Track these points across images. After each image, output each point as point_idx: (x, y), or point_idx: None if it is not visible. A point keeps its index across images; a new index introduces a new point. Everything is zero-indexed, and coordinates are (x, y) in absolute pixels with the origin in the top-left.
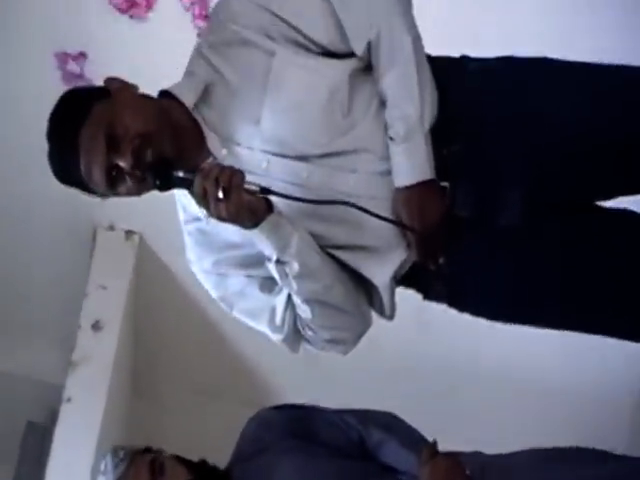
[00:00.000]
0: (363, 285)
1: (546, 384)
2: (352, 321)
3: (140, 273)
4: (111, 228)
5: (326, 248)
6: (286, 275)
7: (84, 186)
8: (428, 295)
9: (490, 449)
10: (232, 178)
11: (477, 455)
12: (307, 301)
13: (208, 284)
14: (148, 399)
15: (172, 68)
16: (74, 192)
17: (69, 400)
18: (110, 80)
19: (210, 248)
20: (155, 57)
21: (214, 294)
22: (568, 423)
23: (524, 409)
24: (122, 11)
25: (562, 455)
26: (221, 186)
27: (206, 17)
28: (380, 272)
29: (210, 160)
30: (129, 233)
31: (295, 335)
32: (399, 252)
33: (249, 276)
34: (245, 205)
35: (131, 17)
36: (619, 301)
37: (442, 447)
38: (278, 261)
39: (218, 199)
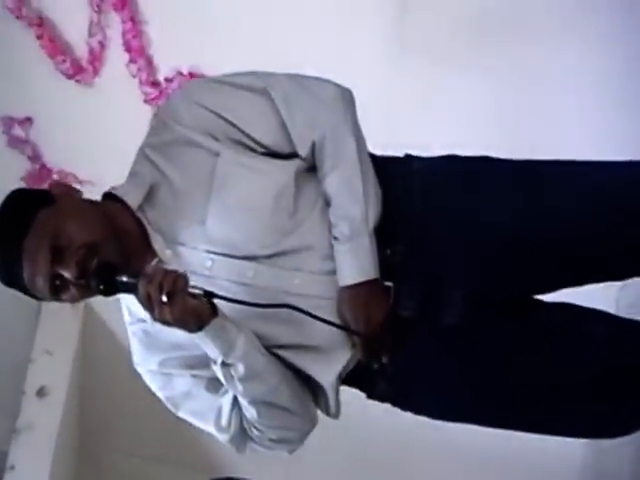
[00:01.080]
0: (308, 384)
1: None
2: (298, 421)
3: (86, 339)
4: None
5: (271, 348)
6: (232, 377)
7: (27, 291)
8: (371, 395)
9: None
10: (176, 282)
11: None
12: (253, 402)
13: (154, 385)
14: (94, 466)
15: (118, 133)
16: None
17: (12, 468)
18: (55, 185)
19: (155, 349)
20: (101, 122)
21: (160, 395)
22: None
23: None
24: (69, 76)
25: None
26: (165, 291)
27: (153, 84)
28: (326, 371)
29: (155, 262)
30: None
31: (242, 435)
32: (344, 351)
33: (195, 376)
34: (189, 309)
35: (77, 82)
36: (565, 402)
37: None
38: (223, 363)
39: (162, 303)
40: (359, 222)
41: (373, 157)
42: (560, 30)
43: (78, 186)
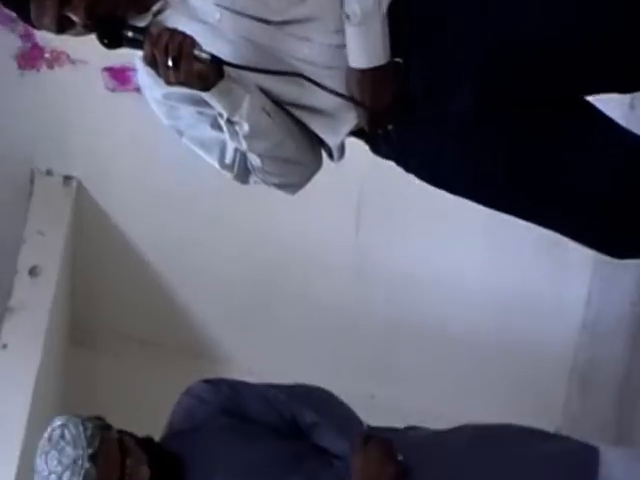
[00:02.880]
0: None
1: (482, 342)
2: (302, 169)
3: (78, 219)
4: (49, 173)
5: (279, 103)
6: (236, 133)
7: (25, 17)
8: (375, 151)
9: (427, 404)
10: (182, 46)
11: (413, 433)
12: (259, 155)
13: (159, 112)
14: (86, 347)
15: None
16: (11, 135)
17: (4, 347)
18: None
19: (160, 80)
20: None
21: (165, 122)
22: (506, 380)
23: (463, 366)
24: None
25: (498, 434)
26: (171, 55)
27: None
28: (331, 134)
29: (160, 4)
30: (67, 179)
31: (245, 173)
32: (350, 117)
33: (200, 113)
34: (195, 73)
35: None
36: (571, 198)
37: (382, 394)
38: (228, 120)
39: (167, 67)
40: (371, 3)
41: None
42: None
43: (71, 65)
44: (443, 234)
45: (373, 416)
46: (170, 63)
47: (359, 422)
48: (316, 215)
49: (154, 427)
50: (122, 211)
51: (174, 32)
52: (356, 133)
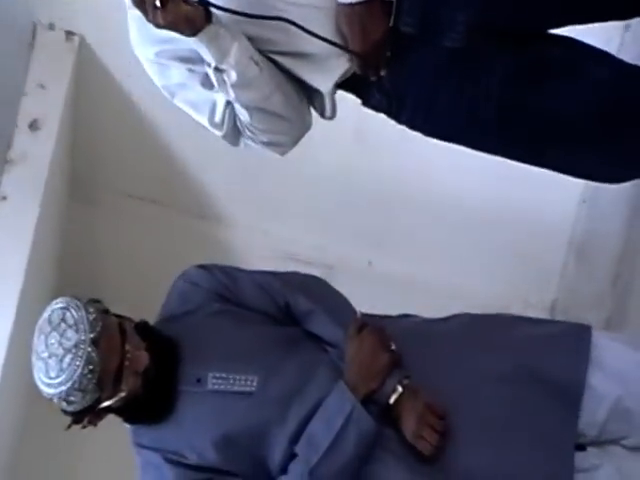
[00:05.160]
0: (304, 88)
1: (480, 210)
2: (291, 126)
3: (80, 75)
4: (51, 27)
5: (267, 53)
6: (224, 82)
7: None
8: (367, 102)
9: (424, 271)
10: None
11: (405, 321)
12: (246, 107)
13: (150, 71)
14: (85, 203)
15: None
16: None
17: (4, 198)
18: None
19: (150, 38)
20: None
21: (157, 82)
22: (504, 249)
23: (461, 234)
24: None
25: (495, 320)
26: None
27: None
28: (322, 79)
29: None
30: (69, 34)
31: (235, 132)
32: (342, 61)
33: (191, 70)
34: (182, 15)
35: None
36: (560, 139)
37: (379, 261)
38: (217, 69)
39: (155, 7)
40: None
41: None
42: None
43: None
44: None
45: (369, 283)
46: (158, 3)
47: (353, 311)
48: None
49: (152, 288)
50: (124, 69)
51: None
52: (347, 86)
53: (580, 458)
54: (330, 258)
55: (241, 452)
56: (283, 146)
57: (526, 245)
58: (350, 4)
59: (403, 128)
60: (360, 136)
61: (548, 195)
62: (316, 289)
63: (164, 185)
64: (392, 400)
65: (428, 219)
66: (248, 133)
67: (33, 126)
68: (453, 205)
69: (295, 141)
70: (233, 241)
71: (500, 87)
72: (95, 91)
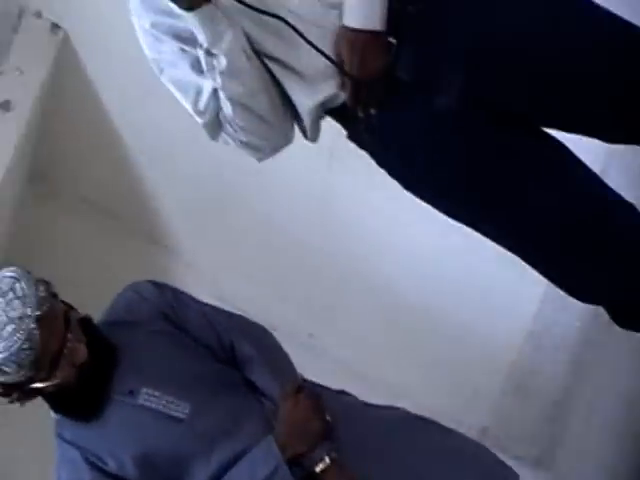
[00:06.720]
0: (290, 104)
1: (430, 315)
2: (272, 132)
3: (58, 69)
4: (38, 15)
5: (259, 54)
6: (213, 68)
7: None
8: (352, 137)
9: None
10: None
11: (344, 398)
12: (231, 100)
13: (144, 42)
14: (44, 195)
15: None
16: None
17: None
18: None
19: (150, 7)
20: None
21: (148, 53)
22: (446, 359)
23: (406, 333)
24: None
25: (429, 426)
26: None
27: None
28: (304, 97)
29: None
30: (55, 27)
31: (216, 124)
32: (329, 85)
33: (183, 50)
34: None
35: None
36: (531, 226)
37: (321, 336)
38: (208, 52)
39: None
40: None
41: None
42: None
43: None
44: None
45: (306, 354)
46: None
47: (294, 370)
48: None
49: (84, 293)
50: (105, 79)
51: None
52: (335, 114)
53: None
54: (272, 318)
55: (159, 475)
56: (260, 151)
57: (467, 360)
58: (355, 29)
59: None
60: (326, 202)
61: (498, 318)
62: (262, 339)
63: (120, 197)
64: (318, 469)
65: (378, 307)
66: (228, 128)
67: (4, 106)
68: (402, 298)
69: (273, 150)
70: (175, 272)
71: (480, 161)
72: (70, 88)
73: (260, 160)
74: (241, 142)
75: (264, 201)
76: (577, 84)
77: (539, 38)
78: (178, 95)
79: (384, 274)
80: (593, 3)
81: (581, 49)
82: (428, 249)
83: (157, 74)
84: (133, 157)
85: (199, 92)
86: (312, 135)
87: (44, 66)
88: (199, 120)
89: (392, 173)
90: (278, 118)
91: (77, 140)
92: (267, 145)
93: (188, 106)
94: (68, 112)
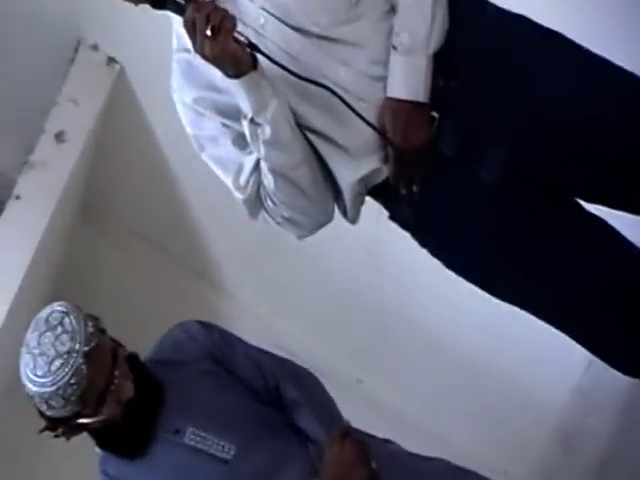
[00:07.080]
0: (332, 181)
1: (478, 364)
2: (313, 208)
3: (113, 102)
4: (94, 48)
5: (303, 128)
6: (257, 137)
7: None
8: (394, 216)
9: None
10: (223, 20)
11: (390, 446)
12: (273, 171)
13: (185, 119)
14: (94, 226)
15: None
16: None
17: (18, 197)
18: None
19: (193, 83)
20: None
21: (189, 130)
22: (491, 410)
23: (454, 381)
24: None
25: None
26: (211, 24)
27: None
28: (347, 171)
29: None
30: (111, 60)
31: (256, 201)
32: (372, 160)
33: (225, 125)
34: (230, 51)
35: None
36: (579, 304)
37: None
38: (252, 121)
39: (205, 35)
40: (421, 38)
41: None
42: None
43: None
44: None
45: (353, 400)
46: (209, 32)
47: (340, 416)
48: None
49: (136, 330)
50: (159, 114)
51: (219, 7)
52: (376, 193)
53: None
54: (319, 363)
55: None
56: (301, 228)
57: (513, 412)
58: (399, 100)
59: (419, 255)
60: (374, 251)
61: (545, 369)
62: (309, 383)
63: (171, 233)
64: None
65: (424, 354)
66: (269, 203)
67: (59, 137)
68: (451, 347)
69: (314, 227)
70: (222, 310)
71: (523, 235)
72: (124, 121)
73: (300, 238)
74: (282, 217)
75: (314, 248)
76: (611, 152)
77: (579, 110)
78: (219, 172)
79: (434, 323)
80: (612, 65)
81: (610, 117)
82: (478, 300)
83: (197, 151)
84: (184, 192)
85: (240, 167)
86: (352, 214)
87: (99, 98)
88: (239, 196)
89: (434, 253)
90: (319, 192)
91: (129, 173)
92: (308, 221)
93: (228, 182)
94: (121, 145)
